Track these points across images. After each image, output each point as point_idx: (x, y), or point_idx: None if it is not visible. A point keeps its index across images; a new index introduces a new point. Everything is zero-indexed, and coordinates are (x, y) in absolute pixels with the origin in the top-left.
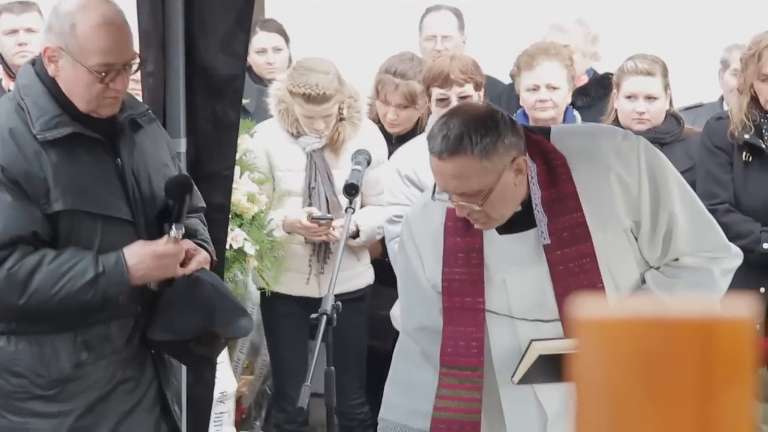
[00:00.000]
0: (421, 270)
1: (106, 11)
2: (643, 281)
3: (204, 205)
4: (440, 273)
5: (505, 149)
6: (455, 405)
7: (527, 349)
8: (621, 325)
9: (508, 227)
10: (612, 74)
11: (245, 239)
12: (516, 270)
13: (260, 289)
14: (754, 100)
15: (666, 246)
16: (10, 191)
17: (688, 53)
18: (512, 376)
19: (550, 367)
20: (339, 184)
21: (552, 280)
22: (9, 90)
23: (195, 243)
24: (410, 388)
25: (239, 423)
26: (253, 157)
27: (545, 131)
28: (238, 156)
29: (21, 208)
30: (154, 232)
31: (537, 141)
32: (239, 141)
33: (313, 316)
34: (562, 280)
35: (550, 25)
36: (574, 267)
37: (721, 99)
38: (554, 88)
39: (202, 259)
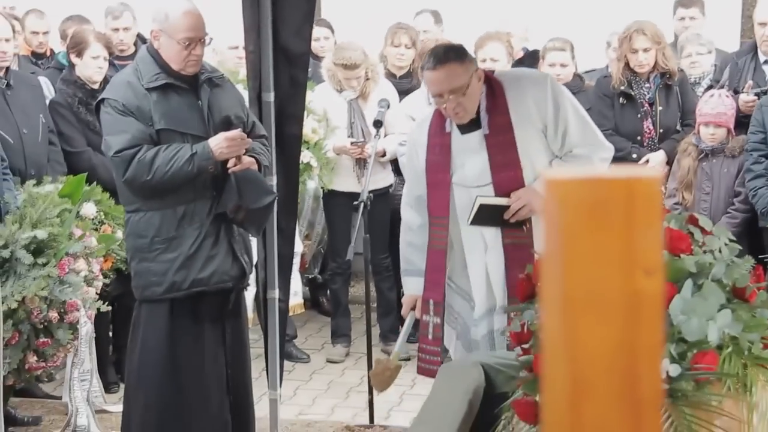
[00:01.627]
0: (416, 159)
1: (186, 5)
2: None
3: (265, 134)
4: (426, 160)
5: (470, 61)
6: (435, 239)
7: (474, 201)
8: (574, 182)
9: (467, 128)
10: (539, 51)
11: (311, 156)
12: (469, 156)
13: (322, 187)
14: (627, 65)
15: (563, 140)
16: (132, 115)
17: (585, 36)
18: (467, 220)
19: (489, 216)
20: (369, 120)
21: (488, 158)
22: None
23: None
24: (417, 249)
25: (303, 270)
26: (313, 105)
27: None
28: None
29: (139, 125)
30: None
31: (486, 71)
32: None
33: (355, 203)
34: (494, 157)
35: (499, 20)
36: (502, 149)
37: (606, 66)
38: (495, 60)
39: (247, 162)
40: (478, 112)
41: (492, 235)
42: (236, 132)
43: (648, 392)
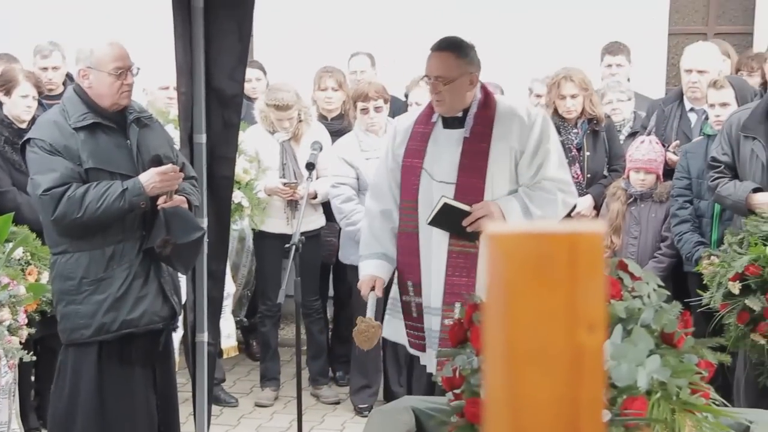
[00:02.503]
0: (392, 144)
1: (108, 38)
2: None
3: (195, 175)
4: (406, 146)
5: (470, 64)
6: (405, 223)
7: (439, 200)
8: (517, 236)
9: (450, 124)
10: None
11: (242, 197)
12: (445, 150)
13: (253, 228)
14: (555, 111)
15: (537, 171)
16: (59, 155)
17: (510, 81)
18: (427, 218)
19: (449, 219)
20: (301, 162)
21: (459, 159)
22: None
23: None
24: (377, 235)
25: None
26: (245, 146)
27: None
28: None
29: (68, 164)
30: None
31: (489, 89)
32: None
33: (287, 245)
34: (465, 161)
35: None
36: (474, 156)
37: None
38: (420, 105)
39: (178, 200)
40: (465, 113)
41: (439, 238)
42: (169, 166)
43: None
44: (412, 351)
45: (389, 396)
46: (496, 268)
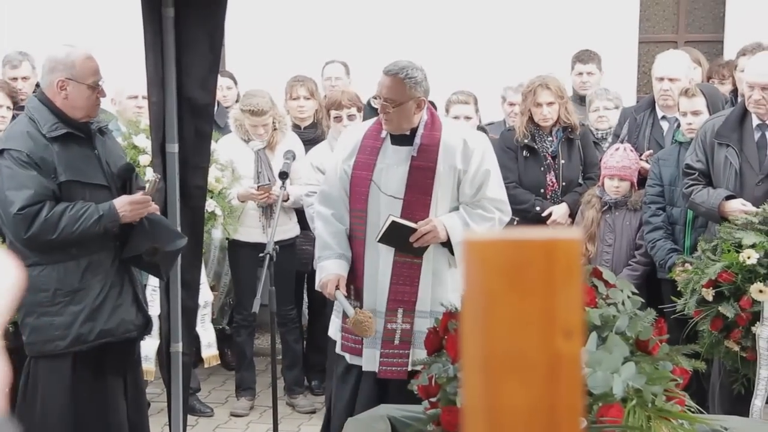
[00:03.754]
0: (342, 158)
1: (84, 50)
2: (457, 208)
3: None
4: (354, 160)
5: (417, 89)
6: (355, 230)
7: (386, 219)
8: (494, 243)
9: (398, 141)
10: (433, 102)
11: (215, 206)
12: (393, 166)
13: (226, 237)
14: (530, 119)
15: (478, 190)
16: (33, 167)
17: (482, 89)
18: (376, 237)
19: (397, 236)
20: (276, 171)
21: (408, 176)
22: None
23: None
24: (334, 237)
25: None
26: (217, 155)
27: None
28: None
29: (41, 180)
30: (122, 193)
31: (435, 112)
32: None
33: (261, 254)
34: (413, 178)
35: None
36: (421, 174)
37: (503, 120)
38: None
39: (154, 207)
40: (413, 133)
41: (386, 247)
42: (139, 196)
43: None
44: (339, 352)
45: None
46: (473, 275)
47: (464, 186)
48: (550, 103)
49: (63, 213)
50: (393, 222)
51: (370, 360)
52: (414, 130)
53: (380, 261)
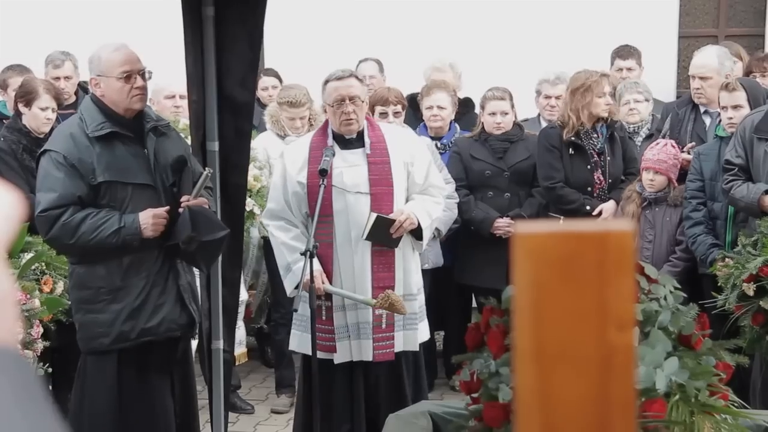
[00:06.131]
0: (293, 173)
1: (116, 44)
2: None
3: (212, 186)
4: (307, 171)
5: (364, 86)
6: (322, 235)
7: (369, 217)
8: (545, 236)
9: (347, 145)
10: (470, 98)
11: (253, 204)
12: (348, 168)
13: (263, 236)
14: (577, 116)
15: (426, 177)
16: (65, 170)
17: (516, 86)
18: (362, 234)
19: (381, 230)
20: None
21: (368, 173)
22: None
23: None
24: (295, 239)
25: (248, 320)
26: (255, 153)
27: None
28: None
29: (70, 181)
30: (169, 193)
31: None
32: None
33: (301, 252)
34: (374, 173)
35: (431, 67)
36: (379, 168)
37: (538, 115)
38: (442, 108)
39: (201, 200)
40: (359, 136)
41: (361, 241)
42: (163, 212)
43: None
44: (320, 355)
45: None
46: (525, 268)
47: (414, 176)
48: (610, 95)
49: (83, 219)
50: (378, 217)
51: (357, 351)
52: (359, 133)
53: (355, 256)
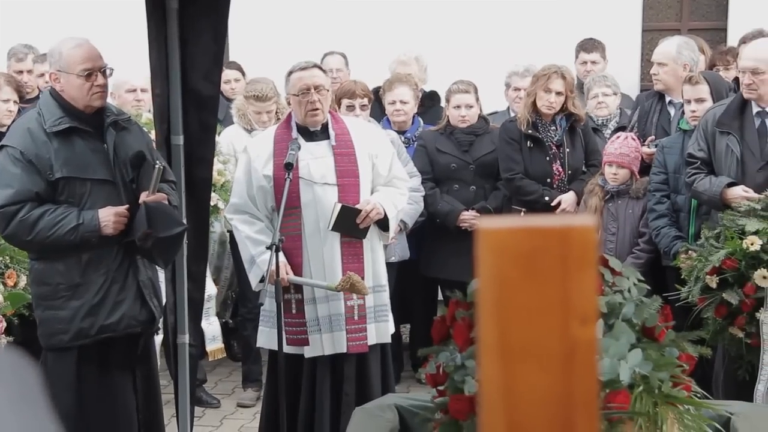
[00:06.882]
0: (258, 167)
1: (77, 39)
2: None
3: (174, 179)
4: (272, 164)
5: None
6: (290, 228)
7: (334, 207)
8: (508, 231)
9: (311, 137)
10: (436, 91)
11: (217, 199)
12: (314, 159)
13: (228, 230)
14: (533, 106)
15: (390, 169)
16: (22, 166)
17: (482, 80)
18: (328, 225)
19: (347, 221)
20: None
21: (335, 164)
22: None
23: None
24: (259, 232)
25: None
26: (219, 147)
27: None
28: None
29: (27, 177)
30: (129, 188)
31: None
32: None
33: (267, 246)
34: (340, 164)
35: (397, 60)
36: (345, 159)
37: (507, 108)
38: (404, 102)
39: (159, 195)
40: (323, 128)
41: (330, 233)
42: (123, 211)
43: None
44: (287, 349)
45: None
46: (489, 262)
47: (378, 168)
48: (559, 93)
49: (41, 216)
50: (342, 207)
51: (330, 343)
52: (323, 125)
53: (324, 248)
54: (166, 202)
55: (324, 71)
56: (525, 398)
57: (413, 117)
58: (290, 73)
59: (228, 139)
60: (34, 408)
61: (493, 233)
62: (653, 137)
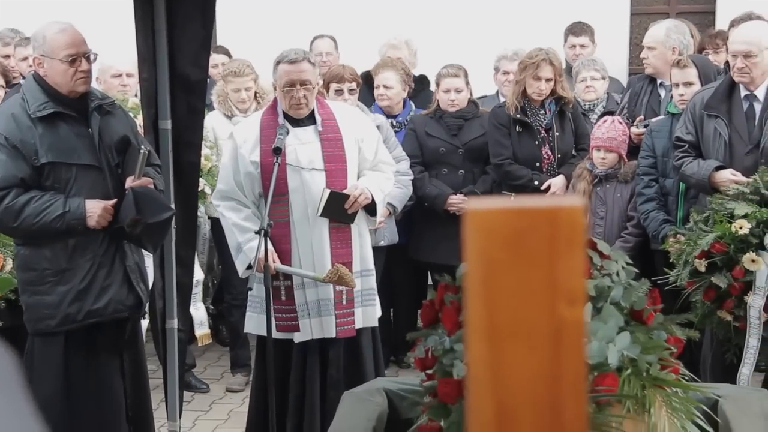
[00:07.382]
0: (245, 153)
1: (62, 24)
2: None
3: (159, 162)
4: (259, 150)
5: (316, 68)
6: (278, 214)
7: (323, 193)
8: (496, 212)
9: (298, 124)
10: (425, 76)
11: (204, 184)
12: (301, 145)
13: (211, 217)
14: (523, 92)
15: (375, 153)
16: (7, 152)
17: (471, 63)
18: (317, 211)
19: (336, 206)
20: None
21: (322, 150)
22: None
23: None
24: (246, 219)
25: None
26: (206, 133)
27: None
28: None
29: (12, 163)
30: (114, 173)
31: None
32: None
33: (256, 230)
34: (327, 150)
35: (387, 44)
36: (332, 145)
37: (497, 92)
38: (388, 87)
39: (145, 180)
40: (310, 113)
41: (319, 219)
42: (110, 207)
43: (572, 421)
44: (277, 335)
45: None
46: (476, 244)
47: (364, 152)
48: (548, 80)
49: (27, 203)
50: (331, 193)
51: (319, 328)
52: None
53: (313, 233)
54: (153, 187)
55: (313, 63)
56: (512, 379)
57: (405, 101)
58: (278, 63)
59: (209, 125)
60: (12, 399)
61: (480, 214)
62: (642, 117)
